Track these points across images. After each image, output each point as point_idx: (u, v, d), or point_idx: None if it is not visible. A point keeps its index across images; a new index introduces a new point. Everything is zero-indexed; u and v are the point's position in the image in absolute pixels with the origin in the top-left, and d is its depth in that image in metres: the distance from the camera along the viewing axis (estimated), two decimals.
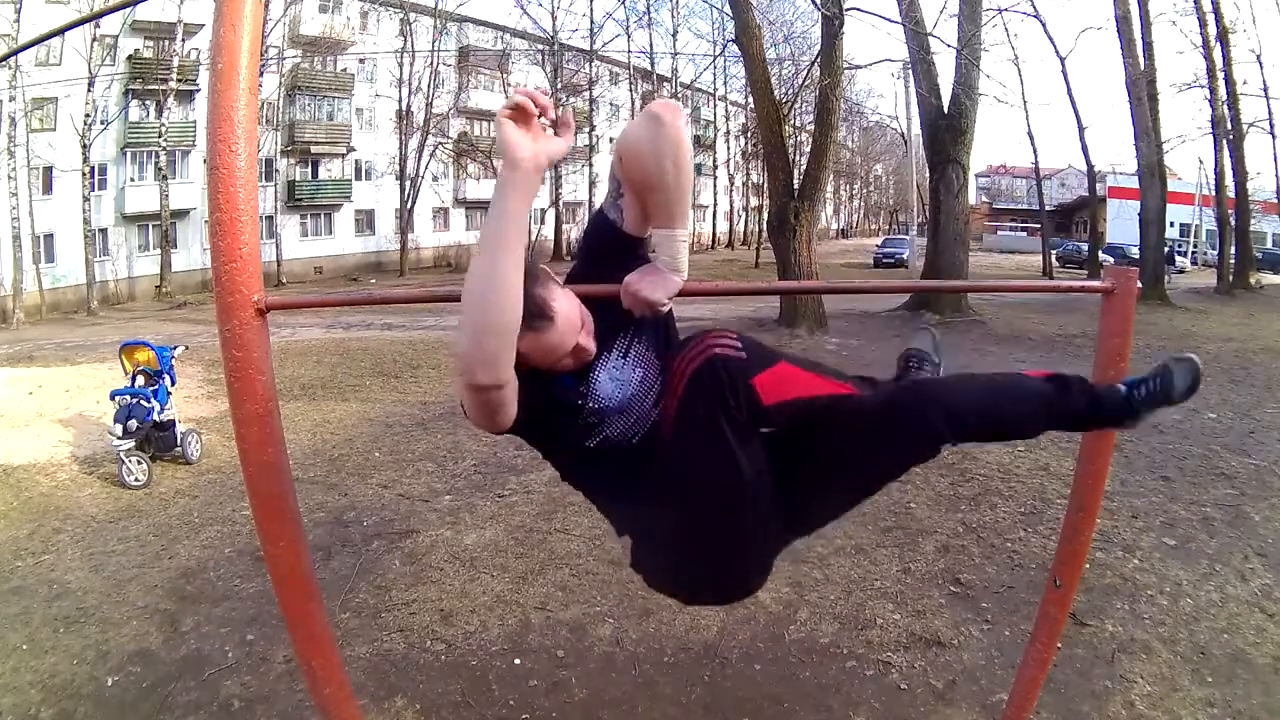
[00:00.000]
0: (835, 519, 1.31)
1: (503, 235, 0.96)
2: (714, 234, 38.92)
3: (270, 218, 24.10)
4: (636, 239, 1.23)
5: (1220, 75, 17.12)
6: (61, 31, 1.61)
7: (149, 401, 4.48)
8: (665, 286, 1.20)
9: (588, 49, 30.20)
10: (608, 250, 1.25)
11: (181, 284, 21.38)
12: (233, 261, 1.06)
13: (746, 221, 41.48)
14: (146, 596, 2.89)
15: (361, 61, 26.89)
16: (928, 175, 13.61)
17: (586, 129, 31.97)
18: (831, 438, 1.19)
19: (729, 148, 38.36)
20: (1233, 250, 18.50)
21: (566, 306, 1.14)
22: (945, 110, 11.87)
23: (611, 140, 35.29)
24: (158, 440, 4.54)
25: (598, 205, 1.29)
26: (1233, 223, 18.43)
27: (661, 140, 1.11)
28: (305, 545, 1.21)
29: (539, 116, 0.99)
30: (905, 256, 24.51)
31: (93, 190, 19.80)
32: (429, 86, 27.31)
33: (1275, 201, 23.13)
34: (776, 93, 11.64)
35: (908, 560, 3.02)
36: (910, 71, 13.60)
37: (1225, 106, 17.44)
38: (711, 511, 1.14)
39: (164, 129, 20.96)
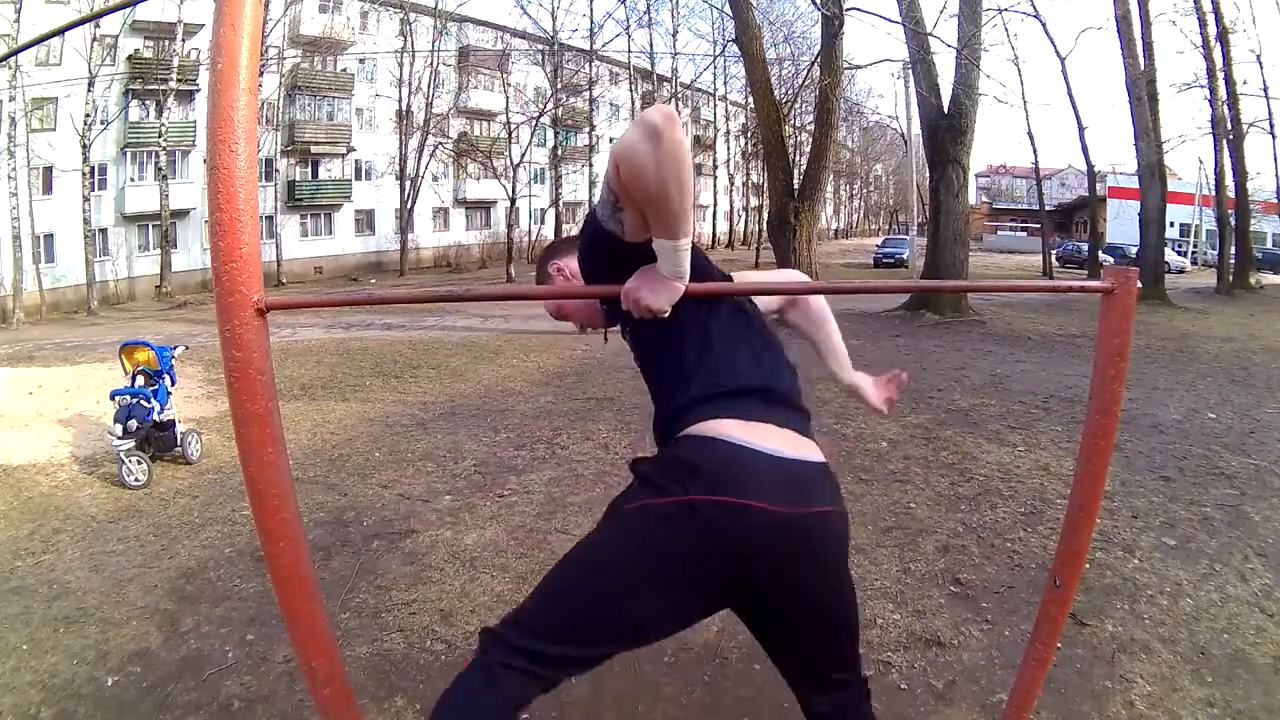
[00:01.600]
0: None
1: None
2: (714, 234, 38.94)
3: (270, 218, 24.13)
4: (640, 244, 1.21)
5: (1220, 75, 17.15)
6: (61, 31, 1.61)
7: (149, 401, 4.47)
8: (668, 293, 1.20)
9: (588, 49, 30.18)
10: (610, 259, 1.24)
11: (181, 284, 21.42)
12: (233, 261, 1.06)
13: (746, 221, 41.51)
14: (146, 596, 2.89)
15: (361, 61, 26.91)
16: (928, 175, 13.61)
17: (587, 129, 31.98)
18: None
19: (729, 148, 38.38)
20: (1233, 250, 18.52)
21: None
22: (945, 110, 11.87)
23: (612, 140, 35.30)
24: (158, 440, 4.53)
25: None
26: (1233, 223, 18.45)
27: (662, 158, 1.07)
28: (305, 545, 1.21)
29: None
30: (905, 256, 24.52)
31: (93, 190, 19.83)
32: (429, 86, 27.33)
33: (1275, 201, 23.17)
34: (776, 93, 11.66)
35: (908, 560, 3.02)
36: (910, 71, 13.59)
37: (1225, 106, 17.47)
38: None
39: (164, 129, 20.99)
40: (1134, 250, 21.01)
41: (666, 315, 1.21)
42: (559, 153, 31.17)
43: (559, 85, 28.70)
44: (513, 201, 24.29)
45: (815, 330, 1.60)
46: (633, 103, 33.83)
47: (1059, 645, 1.82)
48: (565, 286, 1.35)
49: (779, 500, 1.17)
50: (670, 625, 1.29)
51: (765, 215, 16.62)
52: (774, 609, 1.29)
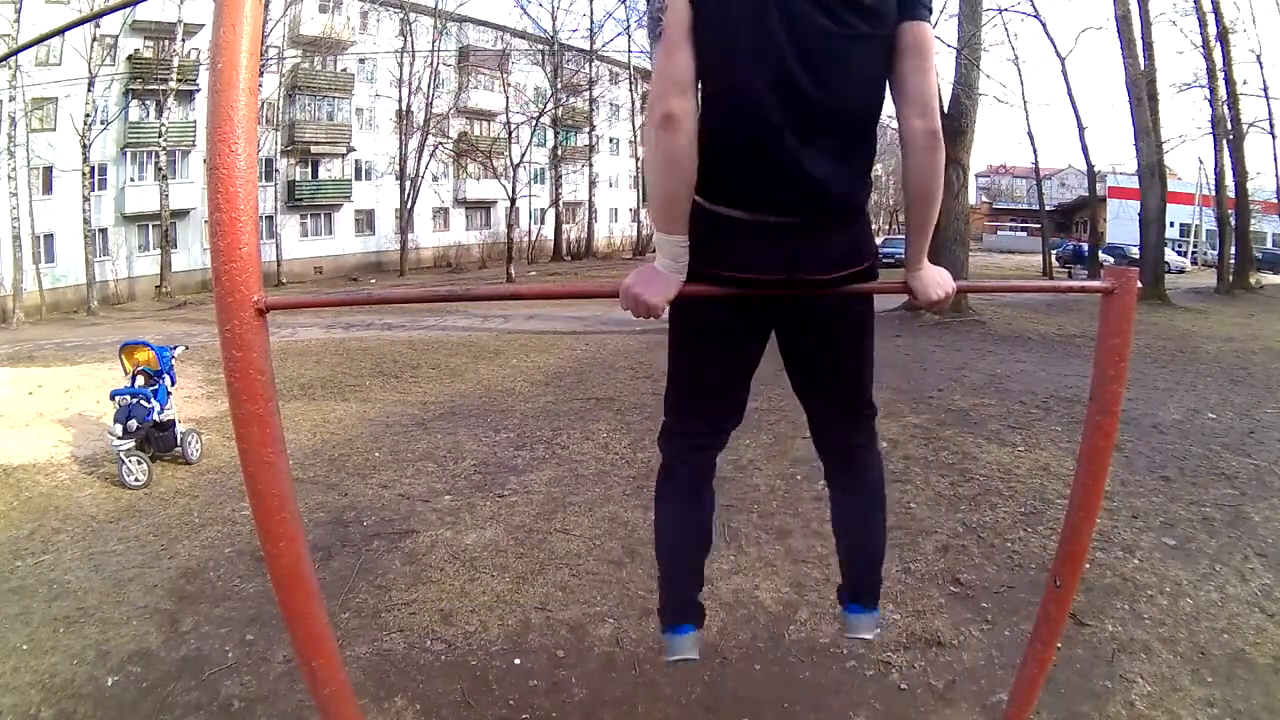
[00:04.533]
0: None
1: None
2: None
3: (270, 218, 24.13)
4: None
5: (1220, 75, 17.14)
6: (61, 31, 1.61)
7: (149, 401, 4.47)
8: (663, 287, 1.22)
9: (588, 49, 30.19)
10: None
11: (181, 284, 21.42)
12: (233, 261, 1.06)
13: None
14: (146, 596, 2.89)
15: (361, 61, 26.91)
16: None
17: (587, 129, 31.97)
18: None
19: None
20: (1233, 250, 18.52)
21: None
22: (945, 110, 11.87)
23: (612, 140, 35.32)
24: (158, 440, 4.53)
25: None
26: (1233, 223, 18.44)
27: (649, 153, 1.24)
28: (305, 545, 1.21)
29: None
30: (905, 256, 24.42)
31: (93, 190, 19.84)
32: (429, 86, 27.34)
33: (1275, 201, 23.15)
34: None
35: (908, 560, 3.02)
36: None
37: (1225, 106, 17.46)
38: None
39: (164, 129, 20.99)
40: (1135, 250, 21.00)
41: (661, 314, 1.24)
42: (559, 153, 31.17)
43: (559, 85, 28.71)
44: (513, 201, 24.30)
45: (907, 201, 1.41)
46: (632, 103, 33.82)
47: (1059, 645, 1.81)
48: (563, 287, 1.38)
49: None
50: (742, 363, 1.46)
51: None
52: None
